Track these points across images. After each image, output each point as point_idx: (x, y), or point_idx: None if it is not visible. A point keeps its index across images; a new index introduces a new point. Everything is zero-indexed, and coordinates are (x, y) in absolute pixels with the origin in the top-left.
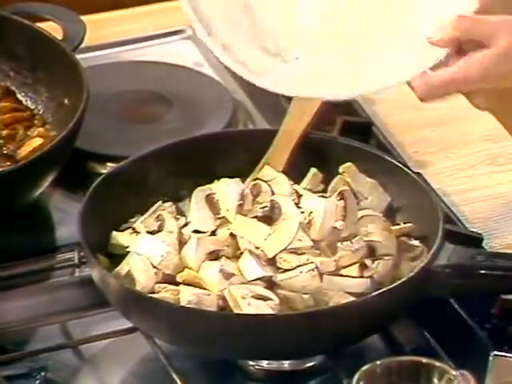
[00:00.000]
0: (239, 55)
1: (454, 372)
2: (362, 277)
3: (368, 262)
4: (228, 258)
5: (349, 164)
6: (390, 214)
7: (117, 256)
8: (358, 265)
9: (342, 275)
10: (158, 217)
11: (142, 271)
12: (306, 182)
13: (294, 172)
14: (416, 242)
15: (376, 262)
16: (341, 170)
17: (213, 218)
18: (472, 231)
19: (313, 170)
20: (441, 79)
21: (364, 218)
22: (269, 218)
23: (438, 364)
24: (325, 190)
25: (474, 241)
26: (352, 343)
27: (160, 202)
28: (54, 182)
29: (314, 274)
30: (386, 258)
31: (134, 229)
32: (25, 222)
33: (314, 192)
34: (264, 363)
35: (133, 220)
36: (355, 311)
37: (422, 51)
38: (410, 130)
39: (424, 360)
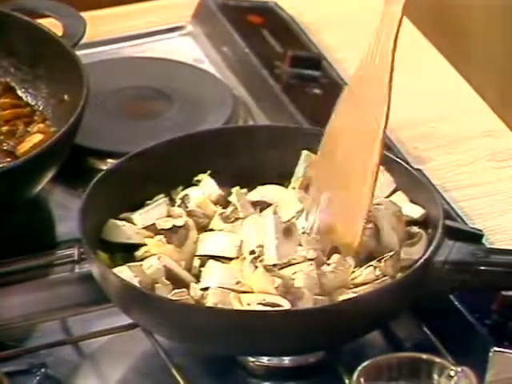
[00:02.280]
0: None
1: (454, 368)
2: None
3: (374, 262)
4: None
5: None
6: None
7: (113, 247)
8: (372, 268)
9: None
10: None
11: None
12: (301, 166)
13: (292, 168)
14: (415, 228)
15: (383, 260)
16: None
17: None
18: (472, 227)
19: (305, 152)
20: None
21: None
22: None
23: (438, 360)
24: None
25: (473, 237)
26: (352, 339)
27: (162, 196)
28: (54, 178)
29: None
30: (391, 253)
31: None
32: (25, 218)
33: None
34: (264, 359)
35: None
36: (355, 308)
37: None
38: (410, 125)
39: (424, 356)
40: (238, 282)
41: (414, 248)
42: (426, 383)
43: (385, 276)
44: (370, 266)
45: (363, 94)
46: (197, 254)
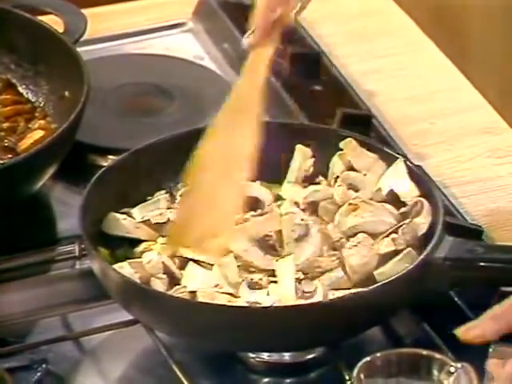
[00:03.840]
0: None
1: (454, 364)
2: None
3: (393, 235)
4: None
5: (349, 139)
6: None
7: (114, 243)
8: (390, 238)
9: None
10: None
11: None
12: (296, 161)
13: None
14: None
15: (400, 229)
16: (341, 145)
17: None
18: (472, 223)
19: (298, 147)
20: None
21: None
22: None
23: (438, 356)
24: (320, 169)
25: (473, 233)
26: (352, 335)
27: (162, 192)
28: (55, 175)
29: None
30: (407, 221)
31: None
32: (26, 215)
33: (305, 171)
34: (264, 355)
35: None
36: (355, 304)
37: None
38: (410, 122)
39: (424, 352)
40: (216, 285)
41: (420, 217)
42: (426, 379)
43: (403, 247)
44: (386, 237)
45: (234, 122)
46: (177, 254)
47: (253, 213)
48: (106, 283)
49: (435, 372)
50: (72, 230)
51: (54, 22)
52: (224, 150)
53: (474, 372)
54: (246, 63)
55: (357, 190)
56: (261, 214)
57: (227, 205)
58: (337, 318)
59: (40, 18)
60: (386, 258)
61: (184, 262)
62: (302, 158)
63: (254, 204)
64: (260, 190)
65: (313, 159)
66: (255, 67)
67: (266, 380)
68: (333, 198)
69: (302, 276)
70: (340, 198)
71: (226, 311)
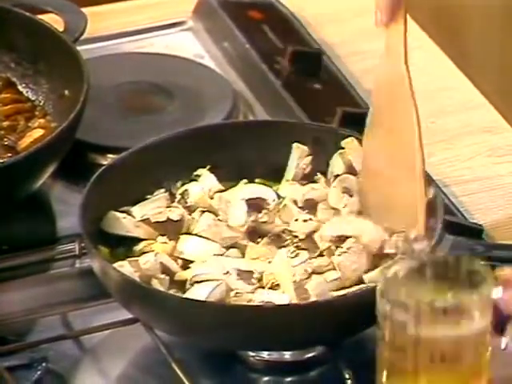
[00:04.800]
0: None
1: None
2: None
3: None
4: None
5: (350, 138)
6: None
7: (114, 241)
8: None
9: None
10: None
11: None
12: (293, 158)
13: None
14: None
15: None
16: (343, 144)
17: None
18: (472, 222)
19: (295, 145)
20: None
21: None
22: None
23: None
24: (320, 168)
25: (473, 232)
26: (352, 334)
27: (162, 191)
28: (55, 174)
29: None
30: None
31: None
32: (25, 214)
33: (303, 169)
34: (264, 354)
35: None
36: (355, 302)
37: None
38: None
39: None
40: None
41: None
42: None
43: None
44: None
45: (390, 116)
46: (175, 254)
47: (258, 214)
48: (106, 282)
49: (462, 273)
50: (72, 229)
51: (53, 20)
52: (391, 145)
53: None
54: (386, 42)
55: (351, 195)
56: (265, 214)
57: (410, 205)
58: (337, 317)
59: (40, 16)
60: (377, 260)
61: (185, 262)
62: (299, 156)
63: (257, 204)
64: (261, 189)
65: (310, 157)
66: (395, 45)
67: (265, 379)
68: (327, 199)
69: (298, 278)
70: (334, 201)
71: (225, 310)
